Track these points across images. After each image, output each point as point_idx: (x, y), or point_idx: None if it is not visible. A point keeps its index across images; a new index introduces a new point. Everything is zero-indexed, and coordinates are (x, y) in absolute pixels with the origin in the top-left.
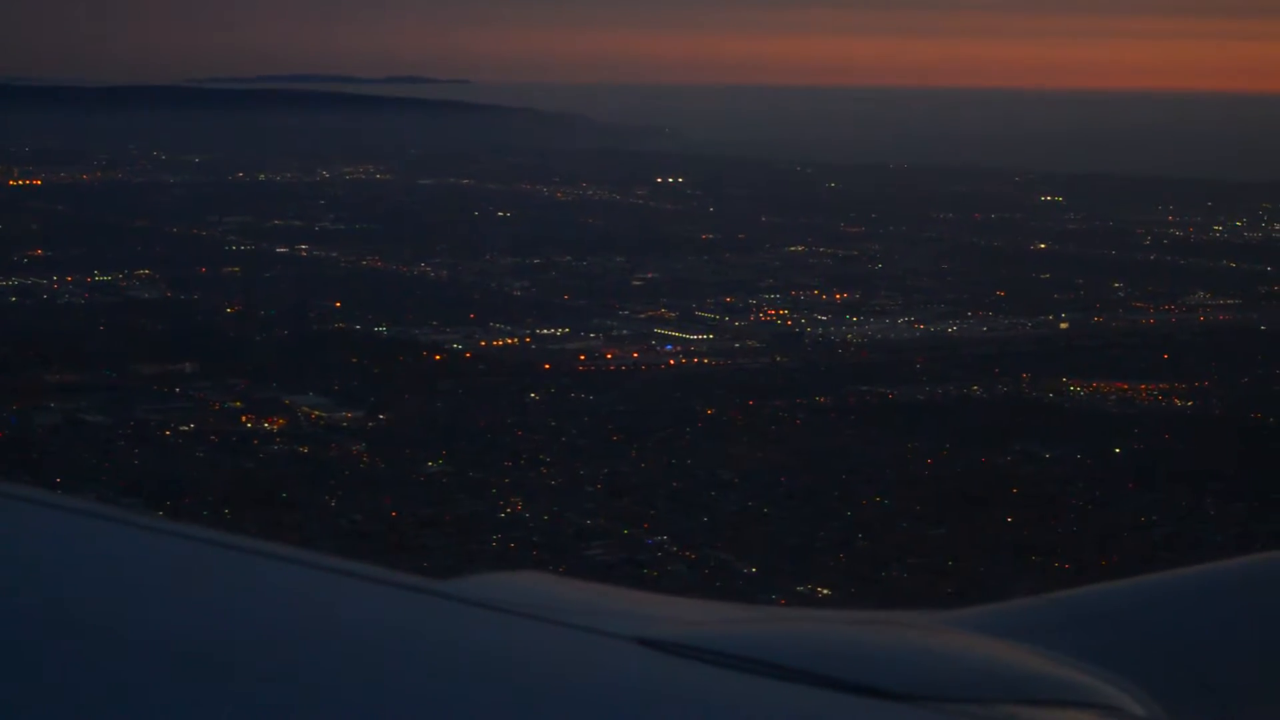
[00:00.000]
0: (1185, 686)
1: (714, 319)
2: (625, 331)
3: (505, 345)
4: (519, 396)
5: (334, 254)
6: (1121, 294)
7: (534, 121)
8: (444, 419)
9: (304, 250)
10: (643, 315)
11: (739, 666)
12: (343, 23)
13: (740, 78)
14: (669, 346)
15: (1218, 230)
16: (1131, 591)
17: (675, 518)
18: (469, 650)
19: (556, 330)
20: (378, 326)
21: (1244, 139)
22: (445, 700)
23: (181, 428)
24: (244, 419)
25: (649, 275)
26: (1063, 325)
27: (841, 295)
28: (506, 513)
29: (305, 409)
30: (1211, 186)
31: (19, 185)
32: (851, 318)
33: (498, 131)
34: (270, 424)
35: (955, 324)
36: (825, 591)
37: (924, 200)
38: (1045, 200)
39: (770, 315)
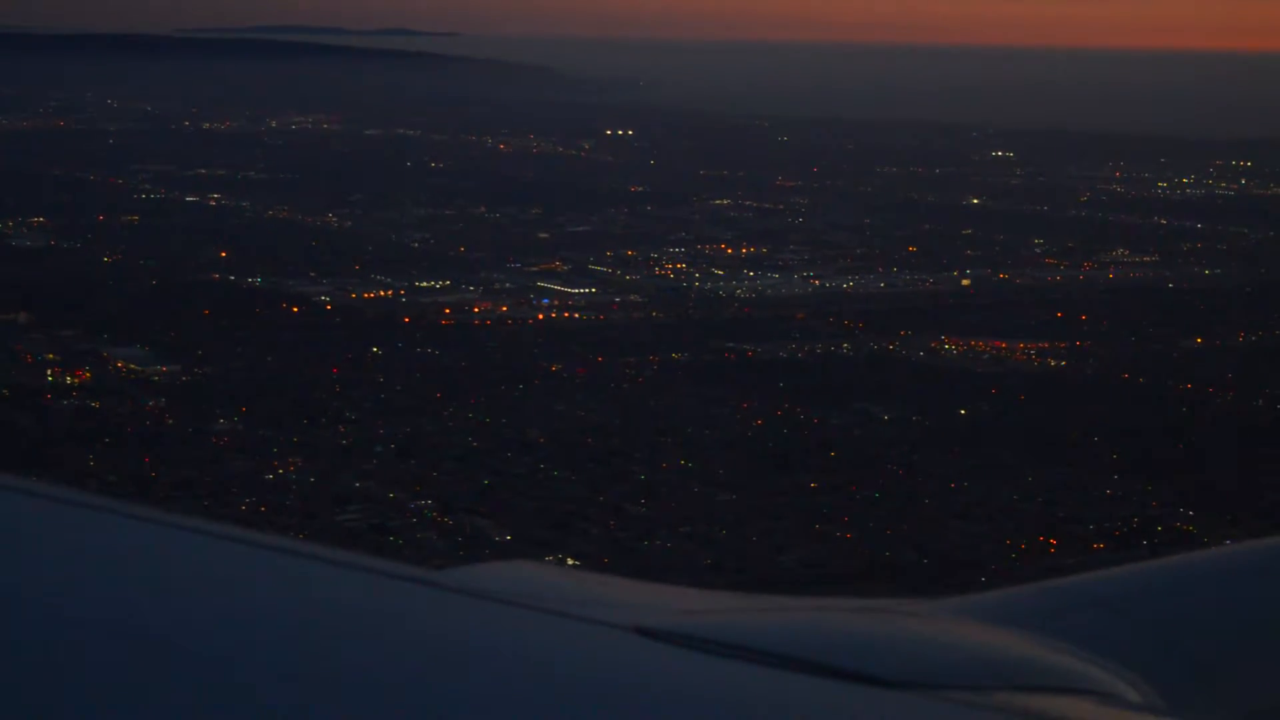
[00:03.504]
0: (1180, 672)
1: (606, 273)
2: (508, 285)
3: (375, 298)
4: (359, 351)
5: (244, 203)
6: (1038, 251)
7: (502, 74)
8: (265, 373)
9: (214, 199)
10: (533, 268)
11: (736, 655)
12: None
13: (732, 33)
14: (545, 300)
15: (1162, 187)
16: (1126, 579)
17: (454, 481)
18: (465, 640)
19: (436, 283)
20: (252, 277)
21: (1214, 96)
22: (441, 690)
23: None
24: (50, 372)
25: (559, 228)
26: (964, 282)
27: (749, 249)
28: (276, 474)
29: (121, 362)
30: (1172, 143)
31: None
32: (749, 272)
33: (466, 83)
34: (74, 377)
35: (853, 279)
36: (573, 562)
37: (872, 154)
38: (996, 155)
39: (666, 269)
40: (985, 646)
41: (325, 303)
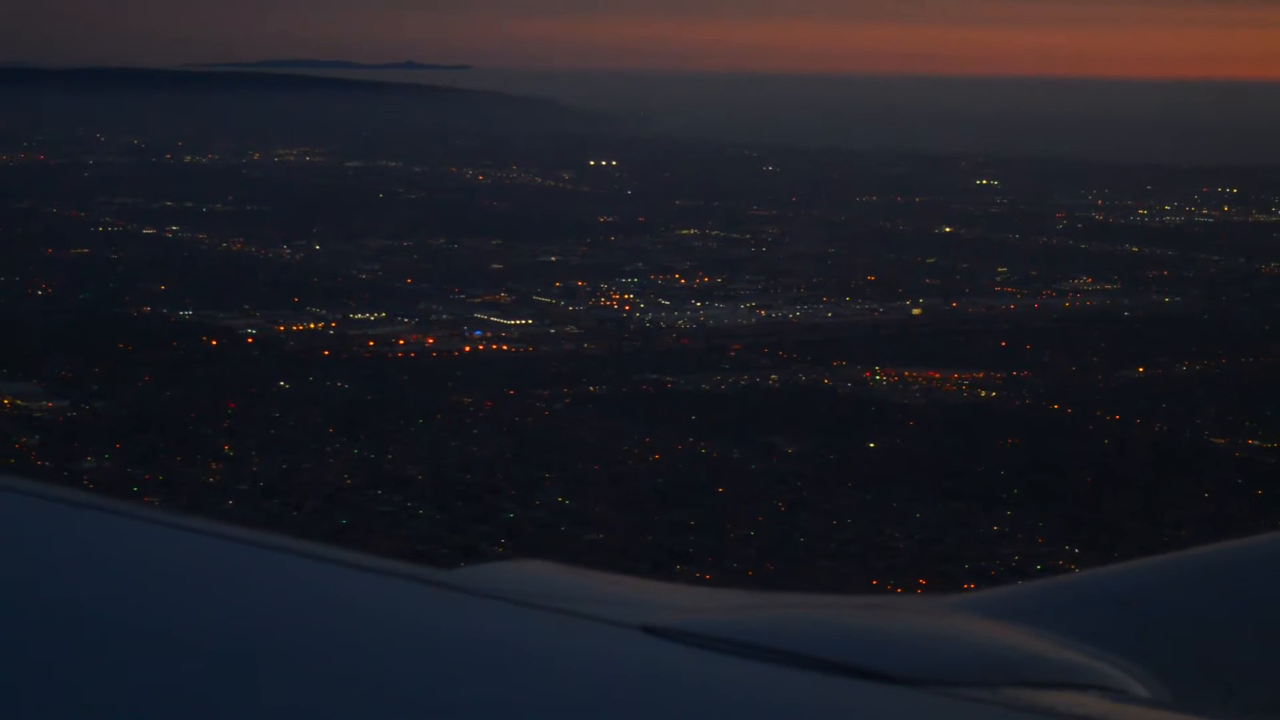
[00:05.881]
0: (1190, 667)
1: (549, 304)
2: (444, 316)
3: (302, 330)
4: (265, 385)
5: (200, 236)
6: (999, 279)
7: (504, 106)
8: (157, 410)
9: (171, 232)
10: (475, 300)
11: (745, 653)
12: (354, 9)
13: (735, 65)
14: (477, 332)
15: (1141, 214)
16: (1136, 573)
17: (310, 519)
18: (475, 640)
19: (371, 315)
20: (183, 311)
21: (1205, 124)
22: (451, 690)
23: None
24: None
25: (515, 259)
26: (915, 311)
27: (702, 280)
28: None
29: (8, 398)
30: (1160, 171)
31: None
32: (696, 303)
33: (465, 116)
34: None
35: (801, 310)
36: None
37: (854, 183)
38: (979, 184)
39: (612, 300)
40: (994, 643)
41: (248, 336)
